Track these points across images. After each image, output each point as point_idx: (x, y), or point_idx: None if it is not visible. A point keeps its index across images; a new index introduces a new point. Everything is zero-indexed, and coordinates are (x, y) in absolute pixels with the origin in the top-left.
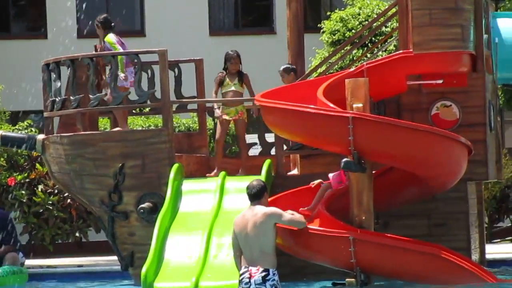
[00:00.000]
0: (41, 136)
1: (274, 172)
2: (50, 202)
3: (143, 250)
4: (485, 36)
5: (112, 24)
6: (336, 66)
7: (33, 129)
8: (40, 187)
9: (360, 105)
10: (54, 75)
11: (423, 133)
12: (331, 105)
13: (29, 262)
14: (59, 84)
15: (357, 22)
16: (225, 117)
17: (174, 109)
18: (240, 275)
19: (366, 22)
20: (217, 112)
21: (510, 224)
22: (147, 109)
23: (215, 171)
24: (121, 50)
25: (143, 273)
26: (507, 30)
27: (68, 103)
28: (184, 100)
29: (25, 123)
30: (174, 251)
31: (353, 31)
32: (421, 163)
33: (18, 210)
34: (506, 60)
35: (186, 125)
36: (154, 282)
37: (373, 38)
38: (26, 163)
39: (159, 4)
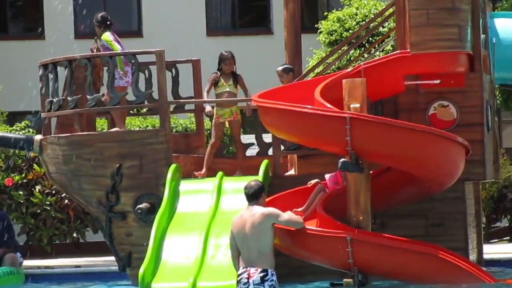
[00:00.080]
0: (38, 137)
1: (272, 173)
2: (48, 203)
3: (140, 251)
4: (482, 36)
5: (109, 22)
6: (334, 66)
7: (30, 130)
8: (38, 187)
9: (358, 105)
10: (52, 76)
11: (421, 133)
12: (329, 105)
13: (26, 262)
14: (56, 84)
15: (354, 22)
16: (220, 119)
17: (171, 110)
18: (238, 275)
19: (363, 22)
20: (208, 107)
21: (507, 224)
22: (145, 110)
23: (204, 170)
24: (119, 47)
25: (140, 274)
26: (504, 30)
27: (65, 104)
28: (181, 100)
29: (23, 123)
30: (172, 252)
31: (350, 31)
32: (418, 163)
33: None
34: (504, 60)
35: (184, 125)
36: (151, 283)
37: (370, 38)
38: (23, 164)
39: (156, 5)
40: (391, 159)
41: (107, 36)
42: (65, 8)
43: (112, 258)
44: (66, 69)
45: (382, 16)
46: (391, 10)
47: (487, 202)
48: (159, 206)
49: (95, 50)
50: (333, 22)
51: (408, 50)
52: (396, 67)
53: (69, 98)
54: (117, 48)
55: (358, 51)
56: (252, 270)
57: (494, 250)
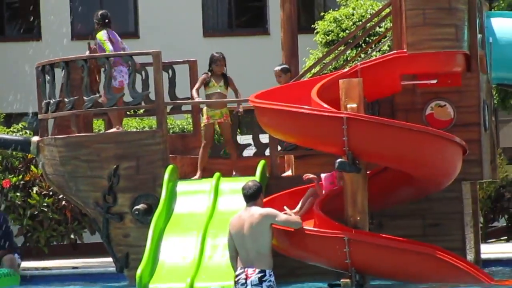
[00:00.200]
0: (35, 138)
1: (269, 173)
2: (45, 204)
3: (138, 252)
4: (479, 35)
5: (107, 20)
6: (330, 66)
7: (27, 131)
8: (35, 189)
9: (354, 105)
10: (49, 77)
11: (418, 133)
12: (325, 105)
13: (24, 264)
14: (53, 86)
15: (351, 23)
16: (210, 120)
17: (168, 111)
18: (236, 276)
19: (360, 22)
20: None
21: (505, 224)
22: (141, 111)
23: (198, 173)
24: (110, 47)
25: (138, 275)
26: (501, 30)
27: (62, 105)
28: (178, 101)
29: (19, 125)
30: (169, 252)
31: (347, 31)
32: (415, 163)
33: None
34: (500, 59)
35: (180, 126)
36: (149, 284)
37: (367, 39)
38: (20, 165)
39: (152, 6)
40: (388, 159)
41: (101, 35)
42: (61, 10)
43: (110, 259)
44: (63, 71)
45: (378, 16)
46: (387, 10)
47: (484, 202)
48: (156, 207)
49: (92, 49)
50: (330, 22)
51: (405, 50)
52: (393, 67)
53: (66, 99)
54: (108, 48)
55: (354, 51)
56: (250, 270)
57: (491, 250)
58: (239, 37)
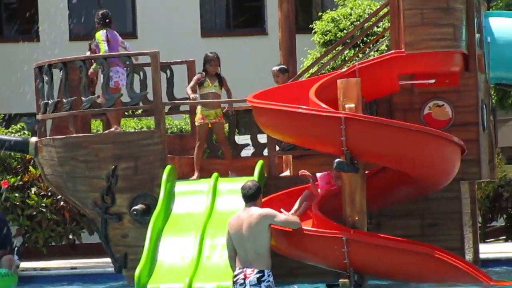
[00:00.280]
0: (34, 139)
1: (267, 173)
2: (43, 205)
3: (136, 252)
4: (477, 35)
5: (108, 20)
6: (328, 66)
7: (25, 132)
8: (33, 189)
9: (352, 105)
10: (47, 78)
11: (416, 133)
12: (323, 105)
13: (22, 264)
14: (51, 86)
15: (349, 23)
16: (204, 120)
17: (166, 111)
18: (235, 276)
19: (358, 22)
20: (192, 94)
21: (503, 224)
22: (140, 111)
23: (196, 174)
24: (105, 48)
25: (136, 275)
26: (499, 29)
27: (60, 106)
28: (176, 101)
29: (18, 126)
30: (168, 253)
31: (344, 31)
32: (413, 163)
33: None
34: (499, 59)
35: (179, 126)
36: (147, 284)
37: (364, 38)
38: (19, 166)
39: (150, 6)
40: (386, 159)
41: (100, 34)
42: (60, 10)
43: (108, 259)
44: (61, 71)
45: (376, 16)
46: (385, 10)
47: (482, 201)
48: (154, 207)
49: (92, 49)
50: (328, 22)
51: (403, 50)
52: (391, 67)
53: (64, 100)
54: (103, 48)
55: (352, 51)
56: (249, 270)
57: (490, 250)
58: (237, 37)
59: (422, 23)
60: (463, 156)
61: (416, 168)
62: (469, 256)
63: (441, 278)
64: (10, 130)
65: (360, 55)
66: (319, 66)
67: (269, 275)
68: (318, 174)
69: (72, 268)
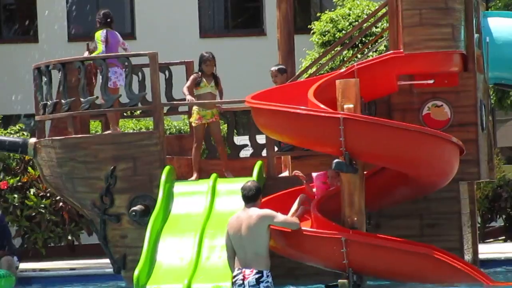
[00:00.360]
0: (32, 140)
1: (266, 174)
2: (42, 206)
3: (135, 253)
4: (476, 35)
5: (109, 20)
6: (327, 67)
7: (24, 132)
8: (32, 190)
9: (351, 105)
10: (45, 79)
11: (415, 133)
12: (322, 106)
13: (21, 265)
14: (50, 87)
15: (347, 23)
16: (202, 120)
17: (165, 112)
18: (234, 277)
19: (356, 22)
20: (189, 96)
21: (502, 224)
22: (138, 112)
23: (195, 175)
24: (102, 48)
25: (135, 276)
26: (497, 29)
27: (59, 107)
28: (175, 102)
29: (17, 127)
30: (166, 253)
31: (343, 31)
32: (412, 163)
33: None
34: (497, 59)
35: (177, 127)
36: (146, 285)
37: (363, 39)
38: (18, 167)
39: (149, 7)
40: (385, 160)
41: (99, 34)
42: (58, 11)
43: (107, 260)
44: (60, 72)
45: (375, 17)
46: (384, 10)
47: (482, 201)
48: (153, 208)
49: (91, 48)
50: (326, 22)
51: (402, 50)
52: (389, 67)
53: (63, 101)
54: (100, 48)
55: (351, 52)
56: (248, 271)
57: (489, 250)
58: (236, 38)
59: (421, 23)
60: (462, 156)
61: (415, 169)
62: (468, 257)
63: (440, 278)
64: (9, 131)
65: (359, 56)
66: (318, 66)
67: (268, 276)
68: (314, 174)
69: (71, 269)
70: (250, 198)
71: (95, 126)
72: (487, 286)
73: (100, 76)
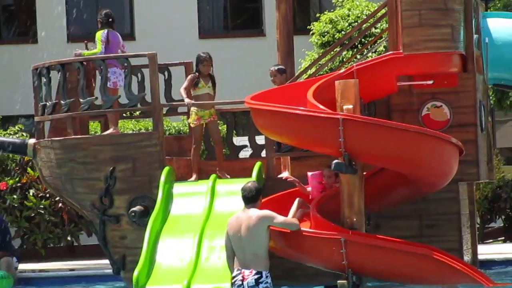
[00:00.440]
0: (32, 141)
1: (265, 174)
2: (42, 206)
3: (134, 253)
4: (475, 36)
5: (110, 19)
6: (326, 67)
7: (24, 133)
8: (32, 191)
9: (350, 106)
10: (45, 79)
11: (414, 134)
12: (321, 106)
13: (21, 266)
14: (49, 88)
15: (347, 24)
16: (200, 121)
17: (164, 112)
18: (233, 277)
19: (356, 23)
20: (183, 92)
21: (502, 225)
22: (138, 113)
23: (194, 175)
24: (102, 49)
25: (134, 276)
26: (497, 30)
27: (58, 107)
28: (174, 103)
29: (16, 127)
30: (166, 254)
31: (342, 32)
32: (412, 164)
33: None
34: (497, 60)
35: (177, 128)
36: (146, 285)
37: (362, 39)
38: (17, 168)
39: (148, 8)
40: (384, 160)
41: (99, 33)
42: (57, 12)
43: (106, 261)
44: (59, 73)
45: (374, 17)
46: (383, 11)
47: (481, 202)
48: (152, 209)
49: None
50: (325, 23)
51: (401, 51)
52: (389, 68)
53: (62, 101)
54: (99, 48)
55: (350, 52)
56: (247, 272)
57: (488, 251)
58: (235, 39)
59: (420, 24)
60: (461, 157)
61: (414, 169)
62: (467, 257)
63: (440, 279)
64: (8, 131)
65: (358, 56)
66: (317, 67)
67: (267, 277)
68: (309, 173)
69: (71, 270)
70: (250, 199)
71: (94, 127)
72: (487, 287)
73: (100, 77)
